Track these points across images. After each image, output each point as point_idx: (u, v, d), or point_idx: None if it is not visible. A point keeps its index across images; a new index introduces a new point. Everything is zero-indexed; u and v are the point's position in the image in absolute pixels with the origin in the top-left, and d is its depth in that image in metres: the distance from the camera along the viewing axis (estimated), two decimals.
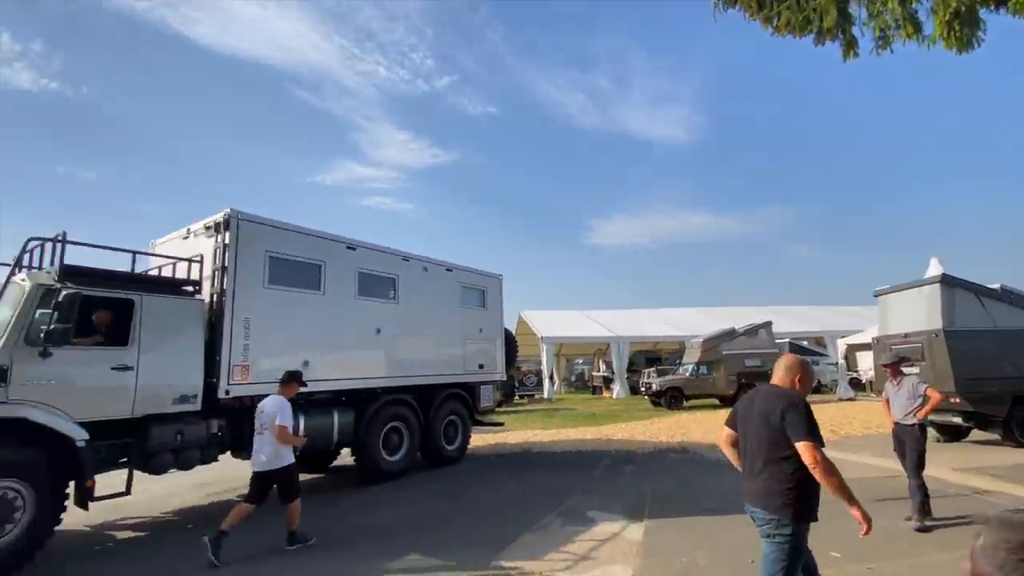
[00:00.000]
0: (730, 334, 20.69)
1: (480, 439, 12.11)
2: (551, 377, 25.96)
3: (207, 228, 6.74)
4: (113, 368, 5.44)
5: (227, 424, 6.44)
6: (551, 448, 11.03)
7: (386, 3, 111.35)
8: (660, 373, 22.52)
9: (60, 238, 5.38)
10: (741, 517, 3.04)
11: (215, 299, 6.41)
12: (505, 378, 11.37)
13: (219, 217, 6.59)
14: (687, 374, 20.07)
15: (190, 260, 6.55)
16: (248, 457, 6.77)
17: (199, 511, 6.94)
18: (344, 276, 7.86)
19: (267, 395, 6.31)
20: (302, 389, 7.11)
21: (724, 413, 17.98)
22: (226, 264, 6.43)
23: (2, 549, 4.50)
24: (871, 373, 18.31)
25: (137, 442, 5.61)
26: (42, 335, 4.92)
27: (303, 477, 8.79)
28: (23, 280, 5.17)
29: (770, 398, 2.76)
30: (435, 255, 9.73)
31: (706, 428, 13.53)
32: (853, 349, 24.43)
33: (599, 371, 29.47)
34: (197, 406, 6.07)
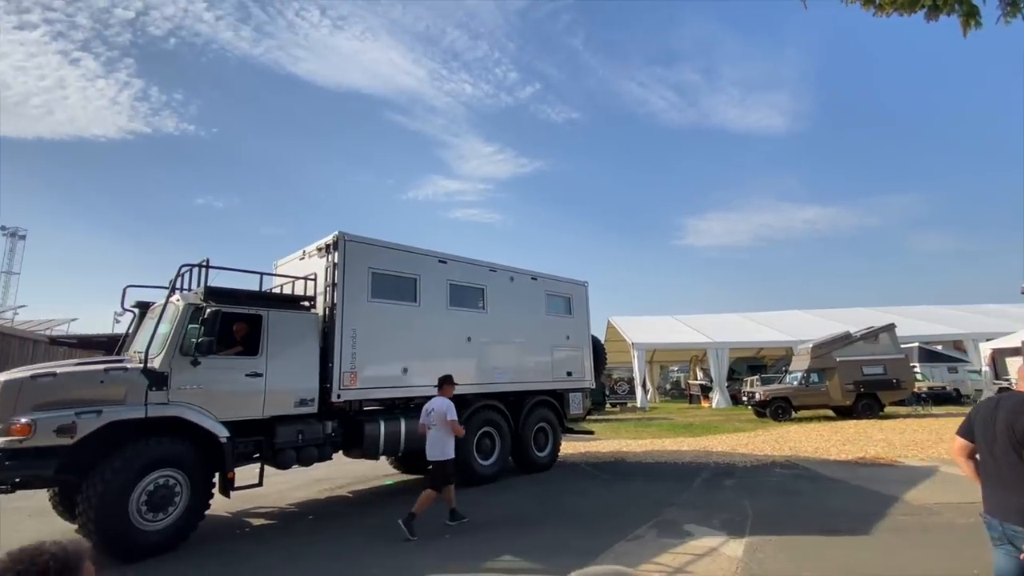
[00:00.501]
0: (845, 338, 18.90)
1: (571, 447, 12.14)
2: (644, 385, 25.15)
3: (319, 249, 7.53)
4: (247, 375, 6.26)
5: (339, 425, 7.11)
6: (644, 459, 10.82)
7: (470, 23, 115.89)
8: (764, 381, 21.45)
9: (204, 264, 6.32)
10: (858, 539, 2.86)
11: (327, 312, 7.14)
12: (594, 386, 11.32)
13: (329, 239, 7.35)
14: (795, 383, 18.58)
15: (306, 278, 7.34)
16: (357, 456, 7.45)
17: (317, 504, 7.71)
18: (436, 288, 8.36)
19: (372, 399, 6.89)
20: (400, 395, 7.70)
21: (841, 425, 16.48)
22: (336, 281, 7.14)
23: (164, 528, 5.35)
24: None
25: (266, 440, 6.39)
26: (192, 347, 5.82)
27: (403, 477, 9.46)
28: (177, 300, 6.14)
29: (1018, 407, 2.54)
30: (521, 263, 10.06)
31: (818, 441, 12.48)
32: (1002, 354, 21.19)
33: (696, 379, 28.10)
34: (314, 409, 6.79)
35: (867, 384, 17.73)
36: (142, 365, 5.51)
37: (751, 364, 26.90)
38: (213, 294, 6.23)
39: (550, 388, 10.06)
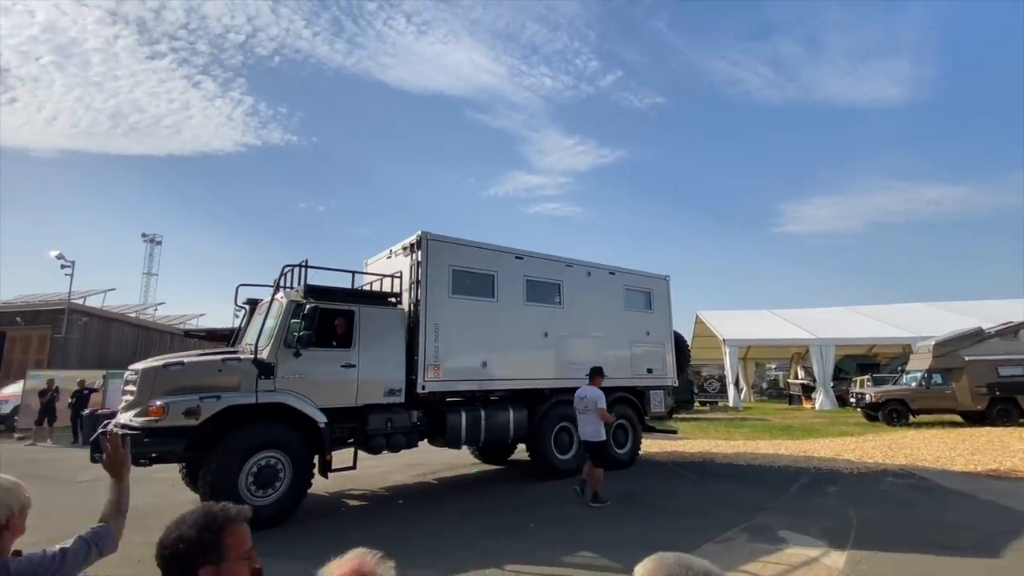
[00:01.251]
0: (976, 335, 16.68)
1: (656, 446, 11.89)
2: (737, 383, 23.78)
3: (404, 248, 7.96)
4: (342, 366, 6.79)
5: (424, 415, 7.49)
6: (736, 460, 10.28)
7: (549, 16, 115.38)
8: (877, 382, 19.49)
9: (304, 264, 6.93)
10: (984, 561, 2.56)
11: (412, 308, 7.54)
12: (676, 384, 10.93)
13: (413, 239, 7.75)
14: (914, 384, 16.69)
15: (392, 276, 7.80)
16: (441, 445, 7.78)
17: (407, 488, 8.18)
18: (513, 284, 8.51)
19: (454, 391, 7.19)
20: (480, 387, 7.94)
21: (970, 432, 14.79)
22: (419, 278, 7.52)
23: (271, 504, 5.95)
24: None
25: (359, 426, 6.89)
26: (294, 340, 6.41)
27: (485, 467, 9.75)
28: (281, 298, 6.78)
29: None
30: (603, 258, 10.06)
31: (940, 450, 11.14)
32: None
33: (797, 378, 26.05)
34: (401, 399, 7.21)
35: (1004, 387, 15.52)
36: (253, 356, 6.17)
37: (861, 363, 24.64)
38: (312, 291, 6.82)
39: (629, 385, 9.87)
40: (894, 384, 17.68)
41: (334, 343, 6.88)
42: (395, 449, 7.16)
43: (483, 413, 7.82)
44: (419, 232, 7.66)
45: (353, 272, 7.53)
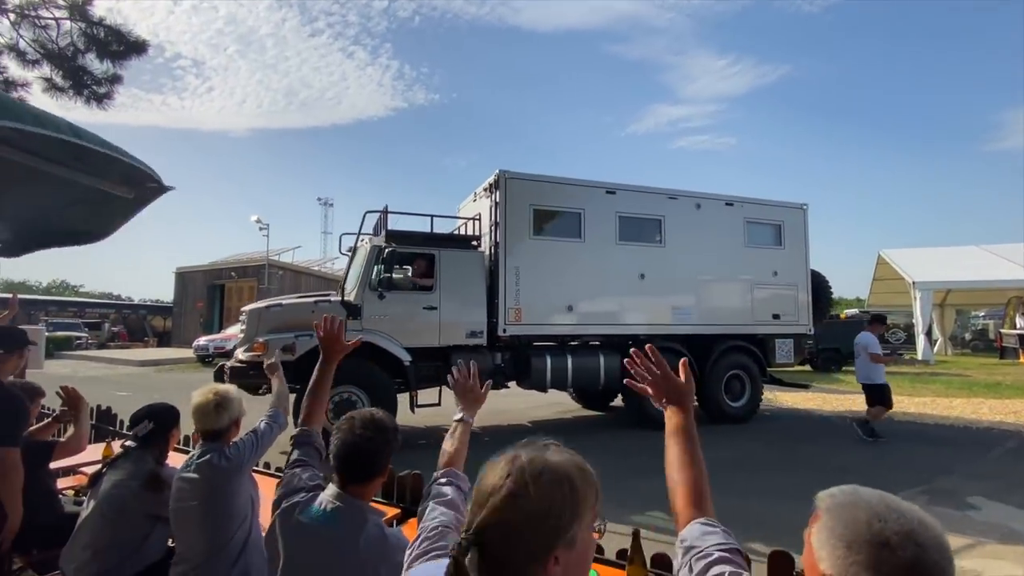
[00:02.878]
0: None
1: (820, 399, 10.87)
2: (929, 333, 19.66)
3: (485, 190, 7.85)
4: (424, 308, 7.08)
5: (510, 358, 7.53)
6: (920, 419, 8.90)
7: None
8: None
9: (384, 210, 7.24)
10: None
11: (492, 251, 7.48)
12: (812, 331, 9.33)
13: (492, 179, 7.57)
14: None
15: (472, 219, 7.78)
16: (527, 387, 7.77)
17: (549, 422, 8.52)
18: (604, 222, 7.89)
19: (538, 335, 7.33)
20: (566, 332, 7.69)
21: None
22: (497, 219, 7.38)
23: None
24: None
25: (443, 366, 7.19)
26: (378, 283, 6.82)
27: (584, 413, 9.57)
28: (366, 243, 7.22)
29: None
30: (761, 193, 8.77)
31: None
32: None
33: (1015, 327, 20.65)
34: (483, 341, 7.31)
35: None
36: (340, 298, 6.73)
37: None
38: (393, 236, 7.13)
39: (748, 332, 8.71)
40: None
41: (417, 286, 7.18)
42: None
43: (570, 358, 7.59)
44: (497, 171, 7.45)
45: (432, 216, 7.67)
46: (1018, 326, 20.46)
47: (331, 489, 1.53)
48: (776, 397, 11.02)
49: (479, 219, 7.76)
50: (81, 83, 6.74)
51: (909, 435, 7.67)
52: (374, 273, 6.90)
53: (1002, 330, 21.85)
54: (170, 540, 2.16)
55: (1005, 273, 18.68)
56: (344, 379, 6.55)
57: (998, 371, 16.27)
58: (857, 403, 10.09)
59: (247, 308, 7.08)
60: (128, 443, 2.25)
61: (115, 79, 6.91)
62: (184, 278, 28.80)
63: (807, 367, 18.90)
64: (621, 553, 1.78)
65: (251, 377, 6.34)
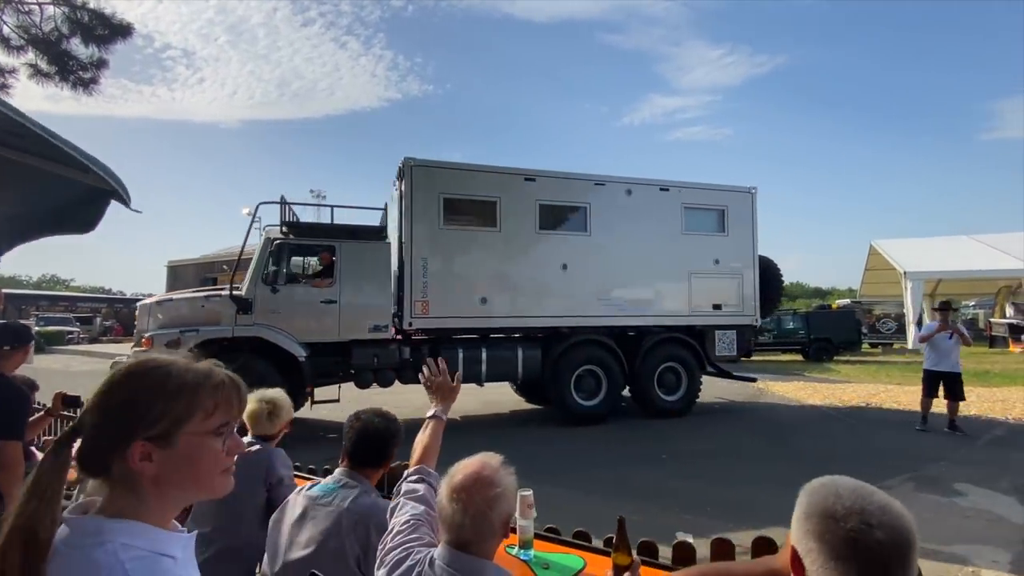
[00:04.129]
0: None
1: (810, 388, 10.90)
2: (919, 323, 19.17)
3: (396, 179, 7.48)
4: (322, 301, 6.77)
5: (416, 351, 7.20)
6: (909, 407, 8.70)
7: None
8: None
9: (280, 201, 6.92)
10: None
11: (400, 241, 7.13)
12: (758, 323, 8.84)
13: (399, 166, 7.20)
14: None
15: (380, 208, 7.43)
16: None
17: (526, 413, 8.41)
18: (522, 210, 7.48)
19: (447, 328, 7.00)
20: (479, 325, 7.32)
21: None
22: (403, 209, 7.03)
23: None
24: None
25: (344, 361, 6.89)
26: (272, 275, 6.52)
27: (526, 406, 9.20)
28: (262, 235, 6.92)
29: None
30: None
31: None
32: None
33: (1004, 317, 20.07)
34: (388, 334, 7.00)
35: None
36: (229, 292, 6.45)
37: None
38: (292, 228, 6.81)
39: (685, 324, 8.27)
40: None
41: (315, 278, 6.87)
42: (385, 384, 7.06)
43: (484, 351, 7.24)
44: (403, 159, 7.08)
45: (332, 206, 7.34)
46: (1007, 315, 20.27)
47: (338, 470, 1.74)
48: (768, 387, 11.04)
49: (386, 208, 7.40)
50: (66, 68, 6.61)
51: (899, 424, 7.64)
52: (267, 266, 6.62)
53: (992, 319, 21.68)
54: None
55: (995, 263, 18.55)
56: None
57: (987, 360, 15.81)
58: (848, 393, 10.22)
59: (140, 303, 6.86)
60: None
61: (101, 63, 6.80)
62: (176, 271, 28.93)
63: (799, 357, 18.70)
64: (608, 541, 1.80)
65: None
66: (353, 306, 6.86)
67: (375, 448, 1.74)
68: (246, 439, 2.16)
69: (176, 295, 7.02)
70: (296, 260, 7.07)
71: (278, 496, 1.99)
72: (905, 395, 9.75)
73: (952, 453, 6.01)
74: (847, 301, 23.30)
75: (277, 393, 2.26)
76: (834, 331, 18.32)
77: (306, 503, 1.67)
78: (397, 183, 7.37)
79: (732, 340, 8.59)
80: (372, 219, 7.62)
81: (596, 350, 7.75)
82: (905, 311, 19.43)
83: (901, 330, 20.02)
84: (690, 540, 1.83)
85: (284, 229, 6.82)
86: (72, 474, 0.76)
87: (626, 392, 8.20)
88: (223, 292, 6.67)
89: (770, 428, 7.51)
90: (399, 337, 7.13)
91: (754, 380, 9.36)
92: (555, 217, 7.68)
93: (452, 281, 7.13)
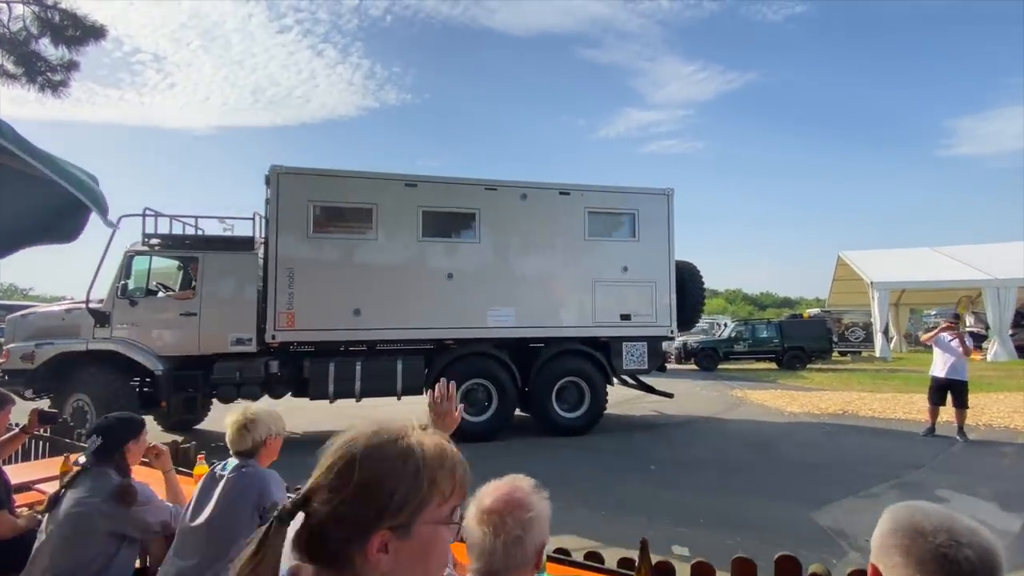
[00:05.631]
0: None
1: (787, 396, 10.97)
2: (886, 331, 19.48)
3: (266, 186, 7.16)
4: (182, 314, 6.50)
5: (288, 366, 6.89)
6: (884, 413, 9.02)
7: None
8: None
9: (143, 213, 6.65)
10: None
11: (266, 252, 6.83)
12: (673, 335, 8.35)
13: (267, 174, 6.90)
14: None
15: (250, 218, 7.14)
16: (312, 397, 7.05)
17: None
18: (403, 217, 7.15)
19: (318, 341, 6.71)
20: (351, 338, 7.00)
21: None
22: (269, 217, 6.74)
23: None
24: None
25: (204, 375, 6.60)
26: (128, 289, 6.27)
27: None
28: (126, 247, 6.67)
29: None
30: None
31: None
32: None
33: (965, 325, 20.42)
34: (253, 348, 6.70)
35: None
36: (85, 306, 6.23)
37: None
38: (154, 240, 6.56)
39: (588, 335, 7.83)
40: None
41: (174, 291, 6.61)
42: (251, 399, 6.75)
43: (359, 364, 6.90)
44: (270, 166, 6.78)
45: (197, 217, 7.06)
46: (968, 324, 20.47)
47: None
48: (747, 395, 11.24)
49: (254, 218, 7.10)
50: (35, 70, 6.44)
51: (876, 430, 7.89)
52: (122, 278, 6.37)
53: (937, 322, 22.11)
54: (136, 562, 2.11)
55: (955, 274, 19.43)
56: (76, 387, 6.17)
57: None
58: (824, 400, 10.35)
59: (10, 316, 6.66)
60: (82, 460, 2.19)
61: (71, 66, 6.65)
62: None
63: (773, 365, 18.55)
64: (622, 562, 1.77)
65: (5, 384, 5.93)
66: (214, 318, 6.59)
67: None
68: (229, 460, 2.04)
69: (42, 307, 6.84)
70: (159, 272, 6.80)
71: None
72: (878, 402, 9.92)
73: (931, 460, 6.11)
74: (817, 310, 23.94)
75: (260, 407, 2.15)
76: (807, 340, 18.63)
77: None
78: (267, 191, 7.08)
79: (642, 352, 8.06)
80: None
81: (486, 363, 7.36)
82: (873, 320, 19.98)
83: (869, 338, 20.46)
84: (687, 553, 1.94)
85: (146, 241, 6.56)
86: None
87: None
88: (83, 305, 6.42)
89: (754, 437, 7.51)
90: (272, 350, 6.79)
91: (671, 396, 8.85)
92: (440, 224, 7.34)
93: (322, 292, 6.81)
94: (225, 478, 1.95)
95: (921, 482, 5.34)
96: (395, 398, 7.14)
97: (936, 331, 7.43)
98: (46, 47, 6.33)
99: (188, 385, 6.62)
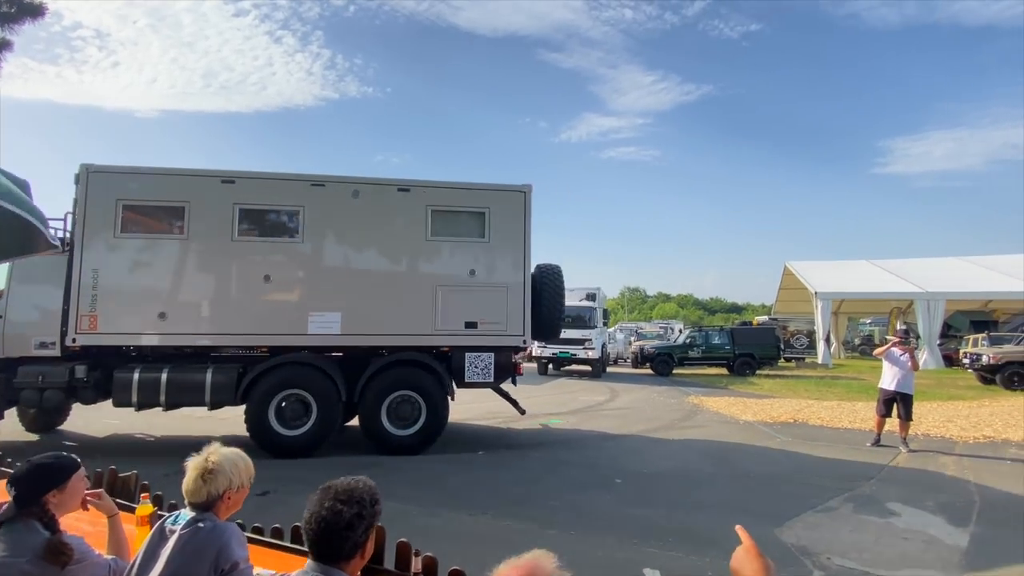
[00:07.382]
0: None
1: (740, 404, 11.33)
2: (827, 339, 19.94)
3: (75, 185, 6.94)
4: None
5: (96, 371, 6.69)
6: (832, 423, 9.43)
7: None
8: (994, 341, 16.43)
9: None
10: None
11: (71, 253, 6.64)
12: (525, 345, 7.79)
13: (76, 172, 6.72)
14: None
15: (60, 219, 6.93)
16: (117, 404, 6.81)
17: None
18: (217, 215, 6.90)
19: (120, 346, 6.52)
20: (157, 343, 6.77)
21: None
22: (75, 217, 6.57)
23: None
24: None
25: (5, 379, 6.42)
26: None
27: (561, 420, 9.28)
28: None
29: None
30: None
31: None
32: None
33: (896, 334, 20.74)
34: (56, 352, 6.52)
35: None
36: None
37: (975, 319, 21.31)
38: None
39: (426, 344, 7.44)
40: (1016, 344, 15.04)
41: None
42: (54, 404, 6.61)
43: (164, 373, 6.67)
44: (80, 165, 6.61)
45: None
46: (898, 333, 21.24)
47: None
48: (703, 402, 11.75)
49: (65, 218, 6.90)
50: None
51: (827, 439, 8.20)
52: None
53: (886, 336, 22.65)
54: None
55: (891, 286, 20.66)
56: None
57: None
58: (776, 408, 10.88)
59: None
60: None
61: (4, 45, 6.35)
62: None
63: (724, 371, 18.53)
64: None
65: None
66: (19, 321, 6.46)
67: (328, 540, 1.43)
68: (182, 512, 1.78)
69: None
70: None
71: None
72: (825, 411, 10.63)
73: (877, 471, 6.36)
74: (765, 318, 24.73)
75: (226, 453, 1.82)
76: (756, 347, 19.13)
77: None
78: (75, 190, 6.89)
79: (488, 364, 7.52)
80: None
81: (303, 372, 7.03)
82: (816, 328, 20.83)
83: (812, 346, 21.27)
84: None
85: None
86: None
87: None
88: None
89: (712, 448, 7.73)
90: (81, 354, 6.61)
91: (523, 412, 8.42)
92: (258, 223, 7.10)
93: (126, 294, 6.62)
94: (177, 534, 1.67)
95: (872, 495, 5.51)
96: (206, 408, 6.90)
97: (887, 346, 7.83)
98: None
99: None
